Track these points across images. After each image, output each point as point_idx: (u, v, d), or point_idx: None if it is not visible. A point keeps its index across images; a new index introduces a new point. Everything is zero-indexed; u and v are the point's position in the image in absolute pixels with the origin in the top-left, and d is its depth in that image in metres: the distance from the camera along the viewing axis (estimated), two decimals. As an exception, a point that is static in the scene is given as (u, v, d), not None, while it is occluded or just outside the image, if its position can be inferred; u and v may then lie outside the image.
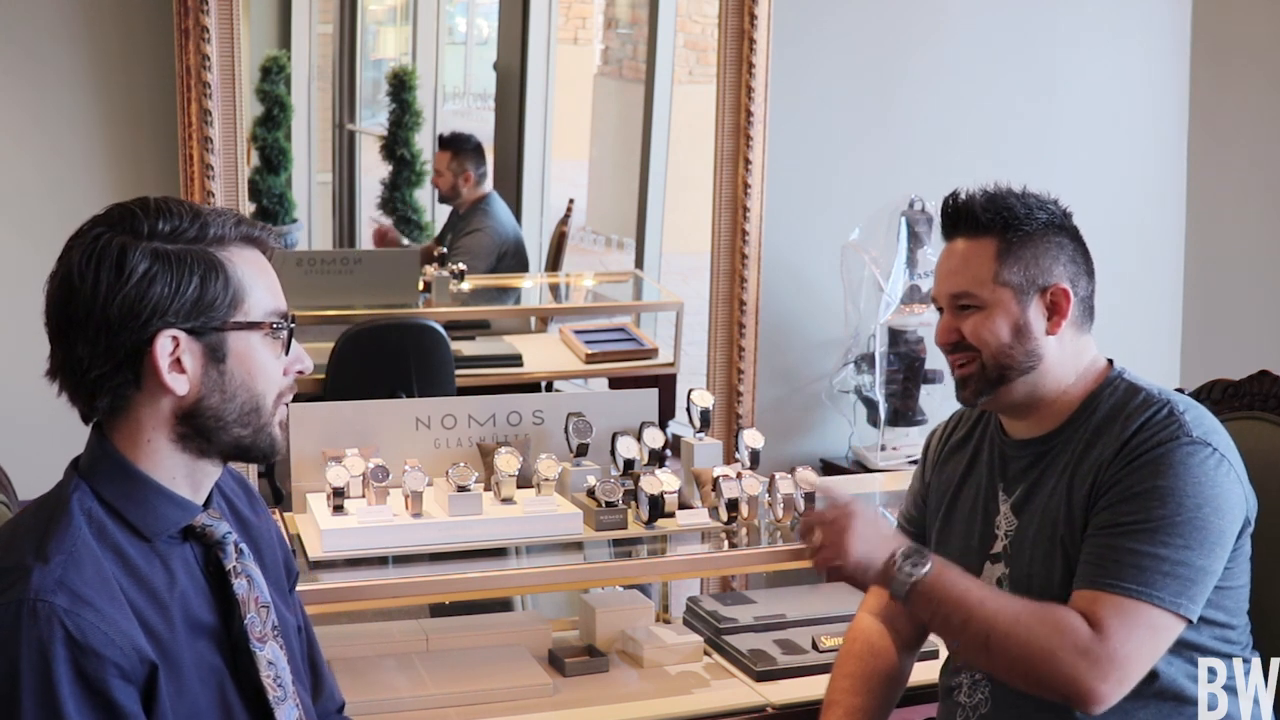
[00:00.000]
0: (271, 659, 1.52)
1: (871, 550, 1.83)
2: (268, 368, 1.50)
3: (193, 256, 1.44)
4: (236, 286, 1.47)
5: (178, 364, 1.44)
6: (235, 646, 1.51)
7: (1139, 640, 1.76)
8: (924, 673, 2.20)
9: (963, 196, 1.95)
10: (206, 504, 1.53)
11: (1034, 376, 1.91)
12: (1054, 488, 1.90)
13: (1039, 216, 1.92)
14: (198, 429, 1.47)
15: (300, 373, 1.55)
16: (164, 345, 1.43)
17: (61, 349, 1.45)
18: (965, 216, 1.94)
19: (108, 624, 1.37)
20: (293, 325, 1.52)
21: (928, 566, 1.82)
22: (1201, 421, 1.85)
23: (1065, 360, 1.93)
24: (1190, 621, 1.79)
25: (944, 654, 2.11)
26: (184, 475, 1.50)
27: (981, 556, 1.98)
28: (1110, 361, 1.98)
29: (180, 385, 1.45)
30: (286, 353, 1.52)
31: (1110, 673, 1.74)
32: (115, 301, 1.41)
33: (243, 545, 1.55)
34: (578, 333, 3.58)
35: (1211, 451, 1.82)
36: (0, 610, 1.35)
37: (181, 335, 1.44)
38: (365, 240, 3.95)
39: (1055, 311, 1.91)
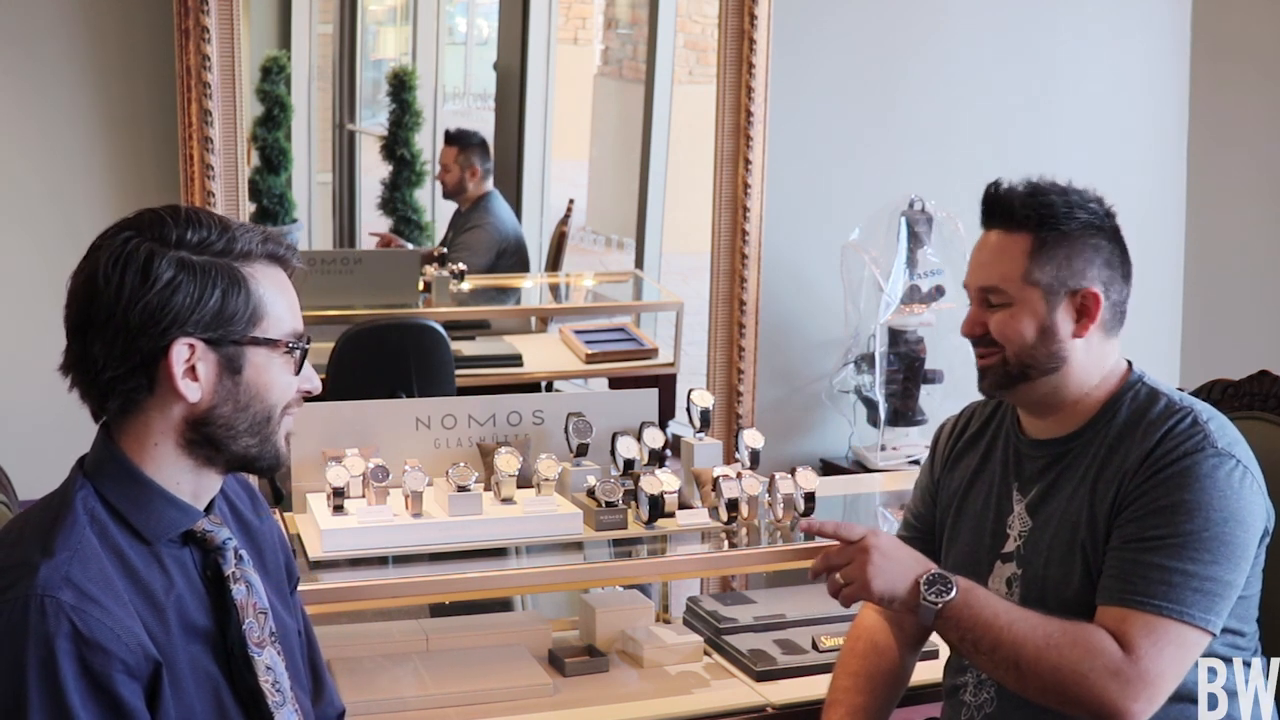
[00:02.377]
0: (270, 664, 1.53)
1: (893, 582, 1.81)
2: (281, 383, 1.51)
3: (217, 269, 1.45)
4: (257, 303, 1.47)
5: (192, 371, 1.45)
6: (230, 652, 1.51)
7: (1169, 658, 1.75)
8: (927, 672, 2.19)
9: (1003, 187, 1.91)
10: (208, 509, 1.54)
11: (1057, 378, 1.88)
12: (1074, 491, 1.88)
13: (1079, 216, 1.87)
14: (207, 437, 1.48)
15: (308, 393, 1.56)
16: (180, 352, 1.44)
17: (78, 346, 1.46)
18: (1003, 208, 1.89)
19: (113, 620, 1.38)
20: (308, 346, 1.53)
21: (953, 592, 1.79)
22: (1224, 431, 1.83)
23: (1090, 363, 1.89)
24: (1214, 635, 1.79)
25: (946, 653, 2.10)
26: (187, 481, 1.50)
27: (992, 555, 1.96)
28: (1130, 364, 1.95)
29: (193, 393, 1.45)
30: (298, 372, 1.53)
31: (1141, 693, 1.74)
32: (137, 307, 1.42)
33: (243, 551, 1.55)
34: (578, 333, 3.58)
35: (1236, 464, 1.80)
36: (7, 605, 1.36)
37: (198, 344, 1.45)
38: (365, 240, 3.95)
39: (1084, 315, 1.87)
